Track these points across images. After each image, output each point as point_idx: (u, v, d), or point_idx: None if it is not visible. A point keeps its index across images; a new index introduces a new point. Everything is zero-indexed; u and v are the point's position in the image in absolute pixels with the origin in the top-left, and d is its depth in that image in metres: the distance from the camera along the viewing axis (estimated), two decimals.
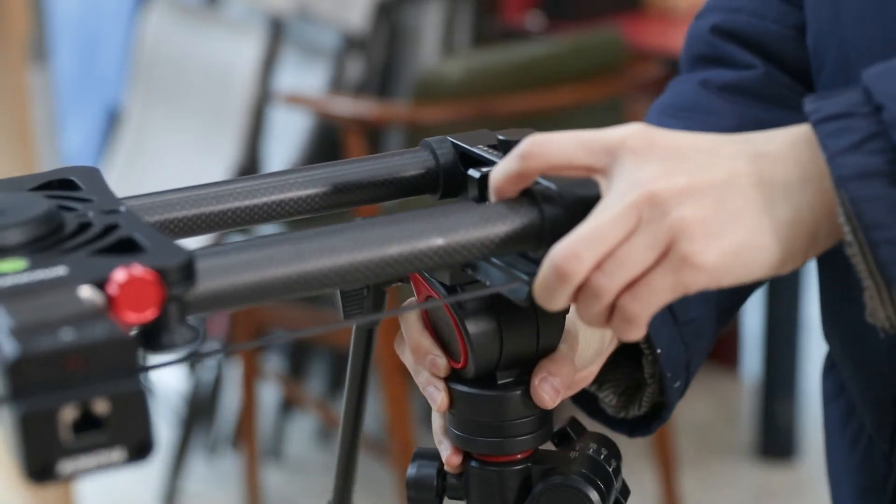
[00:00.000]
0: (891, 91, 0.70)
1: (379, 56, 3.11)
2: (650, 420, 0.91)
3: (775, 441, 3.06)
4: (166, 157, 3.16)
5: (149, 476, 3.00)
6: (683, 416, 3.21)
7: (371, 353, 0.87)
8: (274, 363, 3.26)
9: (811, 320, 2.94)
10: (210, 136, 3.05)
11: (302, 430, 3.24)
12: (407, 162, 0.83)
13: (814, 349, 3.37)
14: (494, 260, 0.75)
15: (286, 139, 3.11)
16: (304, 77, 3.14)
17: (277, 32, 2.95)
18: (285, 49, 3.06)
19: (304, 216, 0.81)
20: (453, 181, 0.82)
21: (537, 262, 0.72)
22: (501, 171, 0.73)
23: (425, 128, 2.56)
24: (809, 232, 0.71)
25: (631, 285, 0.70)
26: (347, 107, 2.72)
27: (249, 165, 2.94)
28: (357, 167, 0.82)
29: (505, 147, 0.78)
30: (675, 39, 3.17)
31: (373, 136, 2.97)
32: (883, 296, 0.71)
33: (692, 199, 0.69)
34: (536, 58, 2.66)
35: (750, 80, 0.98)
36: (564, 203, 0.72)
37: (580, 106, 2.64)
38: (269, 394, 3.21)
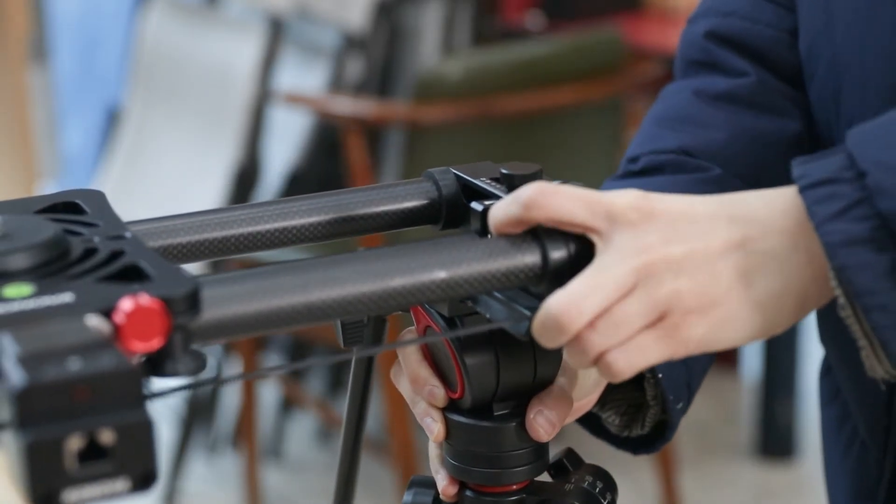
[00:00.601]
0: (873, 156, 0.72)
1: (379, 55, 3.11)
2: (654, 439, 0.91)
3: (775, 441, 3.07)
4: (166, 156, 3.16)
5: None
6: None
7: (370, 381, 0.88)
8: (274, 363, 3.26)
9: (810, 321, 2.94)
10: (210, 135, 3.05)
11: (302, 430, 3.24)
12: (410, 192, 0.83)
13: (813, 349, 3.37)
14: (496, 294, 0.76)
15: (286, 139, 3.11)
16: (303, 76, 3.14)
17: (277, 32, 2.95)
18: (285, 48, 3.06)
19: (305, 244, 0.81)
20: (455, 213, 0.83)
21: (539, 297, 0.73)
22: (502, 213, 0.74)
23: (425, 127, 2.56)
24: (798, 299, 0.74)
25: (620, 343, 0.72)
26: (347, 106, 2.72)
27: (249, 165, 2.94)
28: (360, 197, 0.82)
29: (508, 181, 0.79)
30: (674, 39, 3.16)
31: (372, 135, 2.97)
32: (879, 354, 0.73)
33: (688, 272, 0.71)
34: (536, 57, 2.66)
35: (743, 89, 0.99)
36: (567, 243, 0.73)
37: (580, 105, 2.64)
38: (269, 393, 3.22)
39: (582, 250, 0.73)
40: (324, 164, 3.05)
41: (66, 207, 0.76)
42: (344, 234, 0.82)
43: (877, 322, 0.71)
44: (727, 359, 3.51)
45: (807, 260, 0.73)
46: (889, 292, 0.70)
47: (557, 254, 0.73)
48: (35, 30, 3.36)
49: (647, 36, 3.11)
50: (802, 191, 0.72)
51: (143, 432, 0.59)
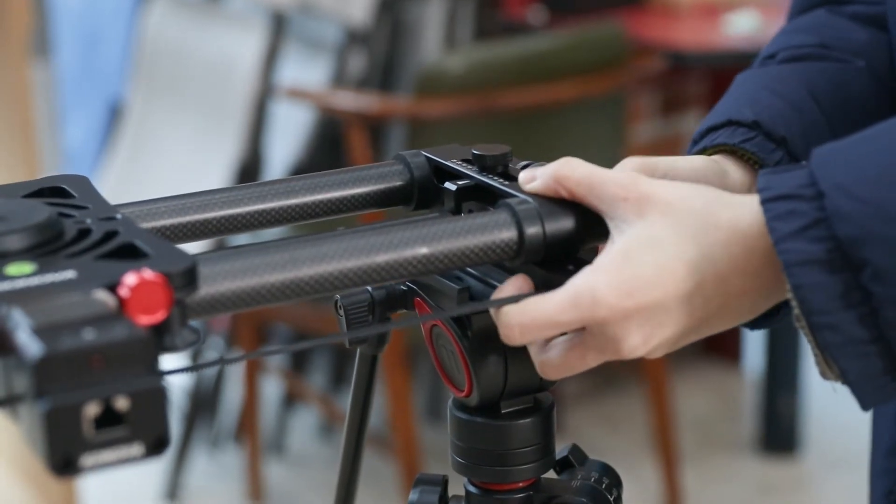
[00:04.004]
0: (833, 178, 0.73)
1: (381, 50, 3.11)
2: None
3: (777, 435, 3.07)
4: (168, 151, 3.16)
5: (151, 470, 3.01)
6: (685, 410, 3.22)
7: (374, 376, 0.90)
8: (276, 357, 3.26)
9: None
10: (212, 130, 3.05)
11: (304, 424, 3.24)
12: (382, 174, 0.86)
13: None
14: (471, 270, 0.80)
15: (288, 133, 3.11)
16: (306, 71, 3.14)
17: (279, 27, 2.95)
18: (287, 43, 3.06)
19: (282, 225, 0.84)
20: (427, 194, 0.86)
21: (512, 272, 0.78)
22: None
23: (427, 122, 2.57)
24: (763, 308, 0.79)
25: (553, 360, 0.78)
26: (349, 101, 2.72)
27: (251, 160, 2.94)
28: (334, 179, 0.86)
29: (479, 162, 0.83)
30: (677, 33, 3.18)
31: (375, 130, 2.97)
32: (831, 365, 0.75)
33: (636, 323, 0.75)
34: (538, 52, 2.66)
35: (879, 14, 0.99)
36: (543, 223, 0.76)
37: (582, 100, 2.64)
38: (272, 388, 3.22)
39: (559, 231, 0.77)
40: (326, 159, 3.05)
41: (52, 192, 0.78)
42: (319, 216, 0.85)
43: (827, 340, 0.73)
44: (729, 353, 3.51)
45: (766, 277, 0.76)
46: (839, 312, 0.73)
47: (532, 230, 0.76)
48: (37, 25, 3.36)
49: (649, 30, 3.11)
50: (764, 203, 0.74)
51: (157, 399, 0.61)
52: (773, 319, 0.87)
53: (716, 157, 0.92)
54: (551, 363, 0.78)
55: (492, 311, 0.77)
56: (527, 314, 0.75)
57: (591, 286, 0.74)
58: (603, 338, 0.75)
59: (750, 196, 0.77)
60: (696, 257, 0.75)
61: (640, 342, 0.75)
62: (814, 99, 0.96)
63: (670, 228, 0.75)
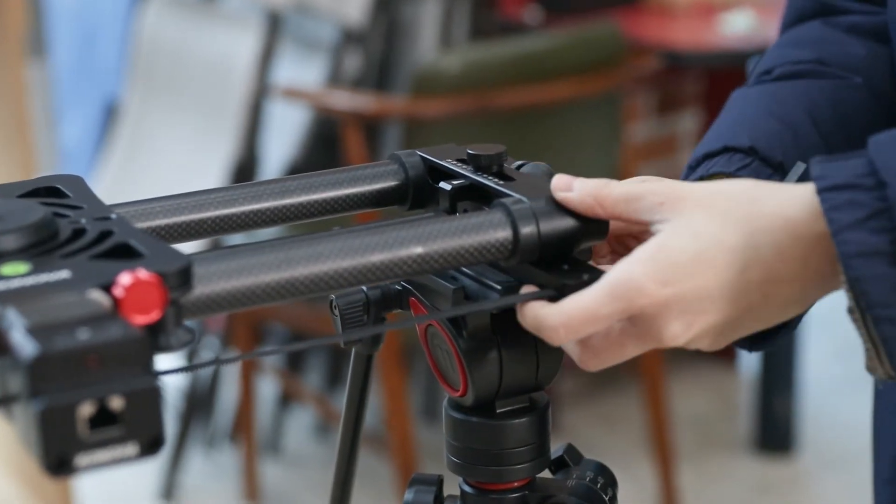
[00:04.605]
0: (894, 167, 0.72)
1: (377, 50, 3.11)
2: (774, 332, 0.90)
3: (773, 434, 3.07)
4: (164, 150, 3.16)
5: (147, 470, 3.00)
6: (682, 409, 3.22)
7: (370, 376, 0.90)
8: (271, 357, 3.26)
9: (809, 314, 2.94)
10: (208, 129, 3.05)
11: (300, 424, 3.24)
12: (377, 174, 0.86)
13: (812, 343, 3.37)
14: (466, 269, 0.80)
15: (284, 133, 3.11)
16: (302, 71, 3.14)
17: (275, 26, 2.95)
18: (283, 43, 3.06)
19: (277, 225, 0.84)
20: (422, 194, 0.86)
21: (506, 272, 0.78)
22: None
23: (423, 122, 2.57)
24: (800, 304, 0.78)
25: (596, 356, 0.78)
26: (345, 101, 2.72)
27: (247, 159, 2.94)
28: (329, 179, 0.85)
29: (474, 161, 0.83)
30: (673, 33, 3.18)
31: (371, 130, 2.97)
32: (882, 358, 0.74)
33: (675, 311, 0.74)
34: (535, 52, 2.66)
35: (877, 24, 0.99)
36: (538, 222, 0.76)
37: (578, 100, 2.64)
38: (268, 388, 3.22)
39: (554, 230, 0.77)
40: (322, 159, 3.05)
41: (47, 192, 0.78)
42: (314, 216, 0.85)
43: (886, 333, 0.72)
44: (725, 352, 3.51)
45: (815, 267, 0.74)
46: None
47: (527, 230, 0.76)
48: (33, 24, 3.36)
49: (645, 30, 3.11)
50: (821, 192, 0.73)
51: (152, 399, 0.61)
52: (772, 340, 0.87)
53: None
54: (591, 355, 0.77)
55: (527, 318, 0.76)
56: (567, 313, 0.74)
57: (629, 276, 0.73)
58: (643, 326, 0.75)
59: (797, 186, 0.76)
60: (739, 244, 0.74)
61: (680, 330, 0.74)
62: (812, 119, 0.95)
63: (709, 219, 0.75)
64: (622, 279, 0.73)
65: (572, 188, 0.77)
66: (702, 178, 0.93)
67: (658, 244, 0.74)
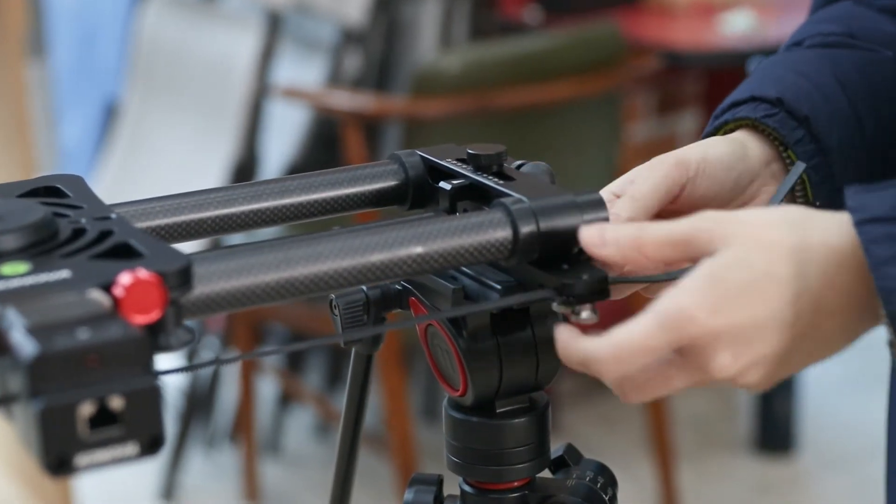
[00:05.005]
0: None
1: (377, 50, 3.11)
2: None
3: (773, 434, 3.07)
4: (164, 150, 3.16)
5: (147, 470, 3.00)
6: (682, 409, 3.22)
7: (369, 376, 0.90)
8: (271, 357, 3.26)
9: None
10: (208, 129, 3.05)
11: (300, 424, 3.24)
12: (377, 174, 0.86)
13: None
14: (466, 269, 0.80)
15: (284, 133, 3.11)
16: (301, 71, 3.14)
17: (275, 26, 2.95)
18: (283, 43, 3.06)
19: (277, 224, 0.84)
20: (422, 194, 0.86)
21: (507, 272, 0.78)
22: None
23: (423, 122, 2.57)
24: (856, 334, 0.76)
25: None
26: (345, 101, 2.72)
27: (247, 159, 2.94)
28: (329, 179, 0.85)
29: (474, 161, 0.82)
30: (673, 33, 3.17)
31: (371, 130, 2.97)
32: None
33: (725, 343, 0.73)
34: (534, 51, 2.66)
35: None
36: (537, 222, 0.76)
37: (578, 100, 2.64)
38: (268, 388, 3.22)
39: (555, 233, 0.76)
40: (322, 159, 3.05)
41: (47, 192, 0.78)
42: (313, 216, 0.85)
43: None
44: None
45: (858, 298, 0.74)
46: None
47: (527, 229, 0.76)
48: (33, 23, 3.36)
49: (645, 30, 3.11)
50: (858, 225, 0.72)
51: (151, 398, 0.61)
52: None
53: (736, 135, 0.91)
54: (633, 387, 0.75)
55: (572, 354, 0.74)
56: (617, 345, 0.72)
57: (679, 307, 0.72)
58: (692, 357, 0.73)
59: (838, 214, 0.75)
60: (788, 274, 0.73)
61: (729, 360, 0.73)
62: (839, 84, 0.94)
63: (758, 251, 0.73)
64: (672, 308, 0.72)
65: (606, 243, 0.76)
66: (727, 123, 0.92)
67: (707, 274, 0.73)
